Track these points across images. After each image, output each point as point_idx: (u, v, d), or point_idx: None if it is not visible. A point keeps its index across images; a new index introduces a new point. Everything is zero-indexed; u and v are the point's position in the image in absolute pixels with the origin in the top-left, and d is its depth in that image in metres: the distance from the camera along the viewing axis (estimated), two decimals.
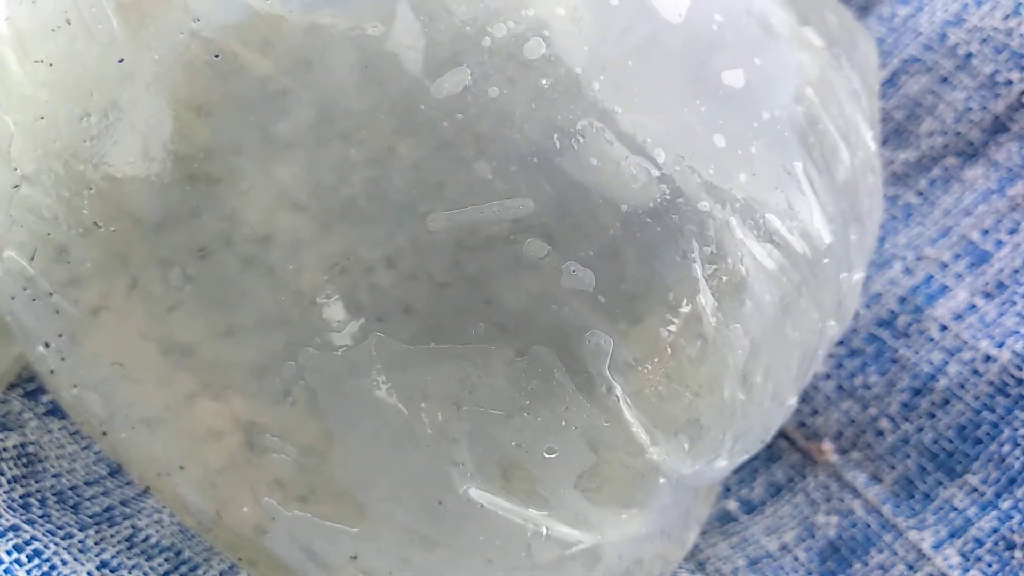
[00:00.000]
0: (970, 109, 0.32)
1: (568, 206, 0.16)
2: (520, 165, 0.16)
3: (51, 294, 0.18)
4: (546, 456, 0.17)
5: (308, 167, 0.16)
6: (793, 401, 0.20)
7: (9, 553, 0.20)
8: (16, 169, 0.17)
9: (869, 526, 0.29)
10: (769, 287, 0.17)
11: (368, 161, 0.16)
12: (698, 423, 0.18)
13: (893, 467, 0.30)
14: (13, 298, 0.18)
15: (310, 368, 0.17)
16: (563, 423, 0.16)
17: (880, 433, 0.30)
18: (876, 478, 0.30)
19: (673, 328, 0.17)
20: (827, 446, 0.31)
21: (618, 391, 0.16)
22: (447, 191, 0.16)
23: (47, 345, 0.19)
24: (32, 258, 0.17)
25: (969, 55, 0.33)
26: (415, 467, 0.17)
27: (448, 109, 0.16)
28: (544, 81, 0.16)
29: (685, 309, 0.17)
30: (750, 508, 0.31)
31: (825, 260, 0.18)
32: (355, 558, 0.18)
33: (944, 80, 0.33)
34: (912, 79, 0.33)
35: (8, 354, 0.25)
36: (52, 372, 0.20)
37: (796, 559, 0.29)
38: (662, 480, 0.18)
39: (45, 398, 0.26)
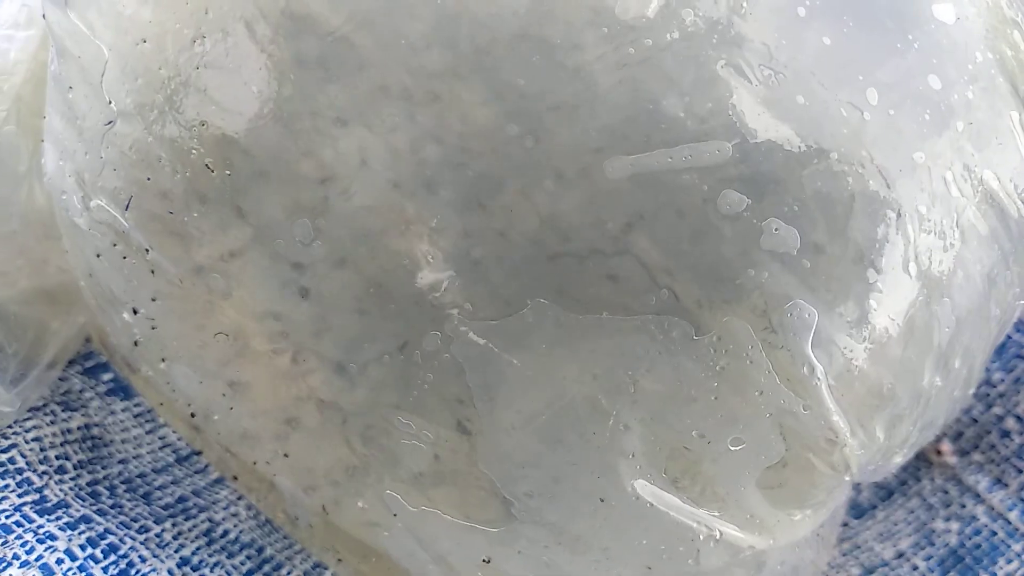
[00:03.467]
0: None
1: (770, 153, 0.13)
2: (717, 104, 0.13)
3: (147, 250, 0.15)
4: (731, 448, 0.14)
5: (442, 113, 0.14)
6: (974, 389, 0.17)
7: (83, 548, 0.18)
8: (111, 103, 0.15)
9: (995, 533, 0.27)
10: (980, 255, 0.15)
11: (526, 104, 0.14)
12: (897, 413, 0.15)
13: (1020, 470, 0.27)
14: (98, 255, 0.16)
15: (457, 340, 0.14)
16: (755, 409, 0.14)
17: (1005, 434, 0.27)
18: (1000, 482, 0.27)
19: (882, 300, 0.14)
20: (946, 447, 0.28)
21: (820, 372, 0.14)
22: (630, 132, 0.13)
23: (135, 311, 0.16)
24: (127, 208, 0.15)
25: None
26: (575, 458, 0.14)
27: (635, 35, 0.13)
28: (745, 4, 0.13)
29: (895, 278, 0.14)
30: (860, 512, 0.28)
31: None
32: (488, 562, 0.16)
33: None
34: None
35: (71, 324, 0.22)
36: (137, 343, 0.17)
37: (915, 568, 0.27)
38: (847, 478, 0.15)
39: (107, 376, 0.24)
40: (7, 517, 0.18)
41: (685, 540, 0.15)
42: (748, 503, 0.15)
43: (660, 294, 0.14)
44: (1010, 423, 0.27)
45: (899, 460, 0.17)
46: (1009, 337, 0.28)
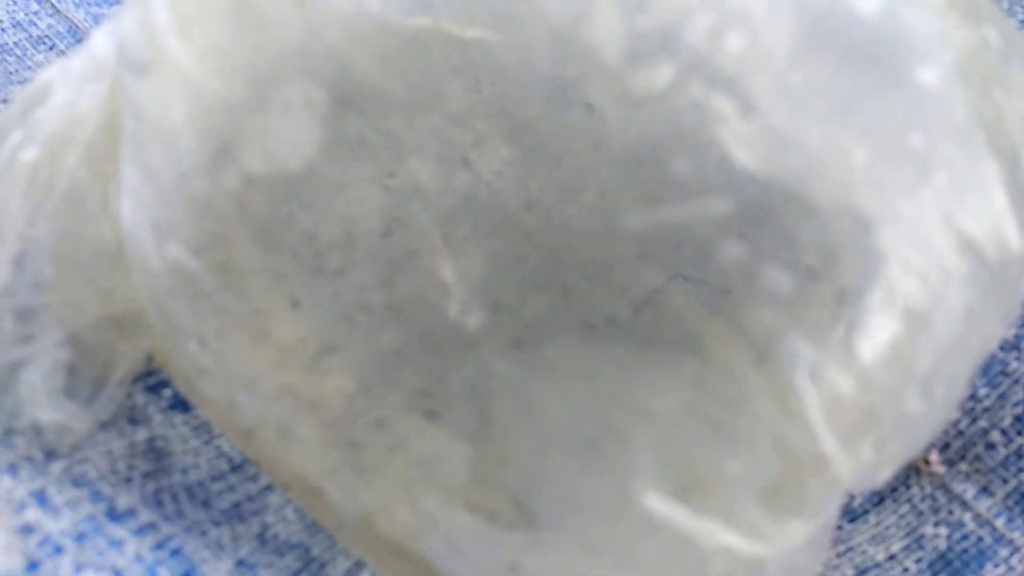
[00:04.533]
0: None
1: (767, 207, 0.14)
2: (719, 164, 0.14)
3: (215, 292, 0.16)
4: (732, 466, 0.15)
5: (473, 166, 0.15)
6: (955, 412, 0.18)
7: (151, 551, 0.19)
8: (183, 161, 0.16)
9: (982, 539, 0.27)
10: (960, 293, 0.16)
11: (548, 162, 0.15)
12: (883, 434, 0.16)
13: (1005, 480, 0.28)
14: (170, 293, 0.17)
15: (484, 372, 0.15)
16: (754, 433, 0.15)
17: (991, 446, 0.28)
18: (986, 491, 0.28)
19: (871, 335, 0.15)
20: (934, 457, 0.29)
21: (812, 400, 0.15)
22: (641, 189, 0.14)
23: (202, 343, 0.17)
24: (197, 253, 0.16)
25: None
26: (594, 474, 0.15)
27: (645, 106, 0.14)
28: (745, 76, 0.14)
29: (882, 317, 0.15)
30: (853, 517, 0.29)
31: (1011, 266, 0.16)
32: (514, 568, 0.17)
33: None
34: None
35: (137, 346, 0.23)
36: (201, 371, 0.18)
37: (906, 570, 0.27)
38: (839, 491, 0.16)
39: (167, 392, 0.25)
40: (82, 525, 0.19)
41: (692, 549, 0.16)
42: (748, 515, 0.16)
43: (673, 332, 0.15)
44: (995, 436, 0.28)
45: (886, 473, 0.18)
46: (993, 356, 0.29)
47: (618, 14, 0.14)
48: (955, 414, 0.19)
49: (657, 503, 0.15)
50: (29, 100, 0.22)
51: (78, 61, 0.21)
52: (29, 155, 0.20)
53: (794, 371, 0.15)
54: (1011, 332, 0.28)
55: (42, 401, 0.19)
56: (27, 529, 0.18)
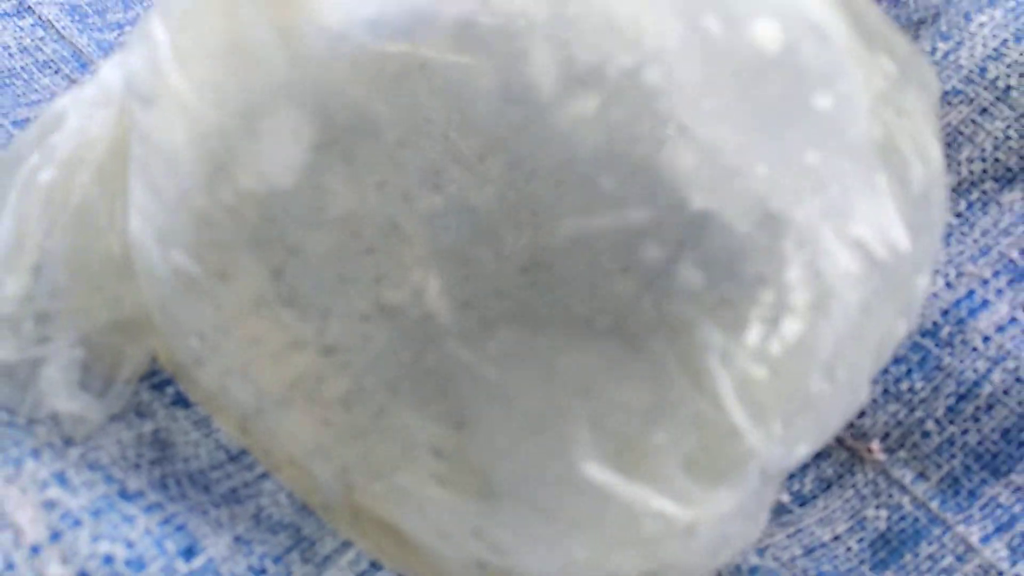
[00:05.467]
0: (1008, 138, 0.33)
1: (680, 215, 0.17)
2: (639, 179, 0.17)
3: (212, 290, 0.19)
4: (657, 439, 0.18)
5: (431, 178, 0.18)
6: (864, 394, 0.21)
7: (158, 527, 0.22)
8: (184, 179, 0.19)
9: (918, 520, 0.30)
10: (854, 289, 0.18)
11: (501, 179, 0.17)
12: (789, 411, 0.18)
13: (939, 466, 0.30)
14: (172, 294, 0.20)
15: (446, 358, 0.18)
16: (674, 410, 0.17)
17: (926, 434, 0.31)
18: (923, 476, 0.30)
19: (772, 325, 0.17)
20: (875, 445, 0.31)
21: (723, 381, 0.17)
22: (569, 200, 0.17)
23: (201, 338, 0.20)
24: (196, 258, 0.19)
25: (1008, 87, 0.33)
26: (540, 446, 0.18)
27: (575, 129, 0.17)
28: (660, 104, 0.17)
29: (782, 309, 0.17)
30: (803, 501, 0.31)
31: (902, 265, 0.19)
32: (477, 530, 0.19)
33: (984, 111, 0.34)
34: (954, 109, 0.34)
35: (142, 348, 0.26)
36: (199, 363, 0.21)
37: (849, 549, 0.30)
38: (754, 463, 0.19)
39: (170, 389, 0.27)
40: (98, 503, 0.21)
41: (626, 511, 0.18)
42: (675, 482, 0.18)
43: (605, 323, 0.17)
44: (930, 425, 0.31)
45: (803, 451, 0.20)
46: (928, 352, 0.31)
47: (551, 53, 0.17)
48: (862, 403, 0.21)
49: (596, 471, 0.18)
50: (45, 126, 0.24)
51: (88, 90, 0.24)
52: (46, 176, 0.23)
53: (707, 356, 0.17)
54: (945, 331, 0.31)
55: (60, 394, 0.22)
56: (50, 504, 0.20)
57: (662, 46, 0.17)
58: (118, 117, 0.23)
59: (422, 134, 0.18)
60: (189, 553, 0.22)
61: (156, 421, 0.26)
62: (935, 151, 0.20)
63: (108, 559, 0.20)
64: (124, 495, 0.22)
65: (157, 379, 0.28)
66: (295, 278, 0.19)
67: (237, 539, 0.23)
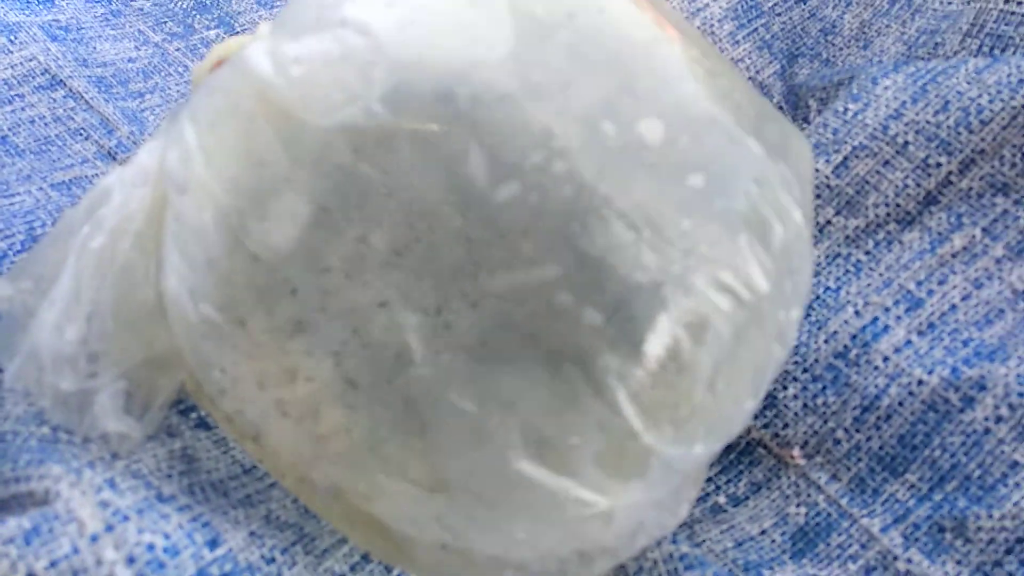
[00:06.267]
0: (907, 186, 0.39)
1: (584, 270, 0.23)
2: (552, 243, 0.22)
3: (231, 335, 0.24)
4: (573, 440, 0.23)
5: (402, 245, 0.23)
6: (750, 405, 0.26)
7: (188, 523, 0.27)
8: (210, 250, 0.24)
9: (830, 515, 0.35)
10: (725, 322, 0.24)
11: (445, 240, 0.23)
12: (678, 417, 0.24)
13: (848, 468, 0.36)
14: (202, 337, 0.25)
15: (411, 383, 0.23)
16: (584, 417, 0.23)
17: (837, 442, 0.36)
18: (835, 477, 0.36)
19: (659, 351, 0.23)
20: (796, 452, 0.37)
21: (620, 394, 0.23)
22: (502, 259, 0.22)
23: (223, 371, 0.26)
24: (220, 310, 0.24)
25: (907, 143, 0.39)
26: (483, 450, 0.23)
27: (504, 208, 0.23)
28: (567, 188, 0.23)
29: (666, 338, 0.23)
30: (736, 502, 0.37)
31: (765, 303, 0.25)
32: (439, 518, 0.25)
33: (887, 163, 0.39)
34: (861, 162, 0.40)
35: (172, 380, 0.31)
36: (222, 391, 0.26)
37: (773, 541, 0.35)
38: (654, 459, 0.24)
39: (194, 414, 0.33)
40: (140, 504, 0.27)
41: (553, 499, 0.24)
42: (592, 475, 0.24)
43: (526, 353, 0.23)
44: (840, 434, 0.36)
45: (700, 450, 0.26)
46: (840, 371, 0.37)
47: (482, 152, 0.22)
48: (751, 412, 0.26)
49: (527, 467, 0.23)
50: (93, 201, 0.30)
51: (129, 171, 0.30)
52: (96, 243, 0.29)
53: (607, 375, 0.23)
54: (853, 352, 0.36)
55: (109, 417, 0.27)
56: (104, 504, 0.26)
57: (567, 146, 0.23)
58: (153, 194, 0.29)
59: (391, 203, 0.23)
60: (213, 544, 0.27)
61: (183, 440, 0.31)
62: (795, 215, 0.26)
63: (150, 547, 0.25)
64: (160, 498, 0.28)
65: (183, 406, 0.33)
66: (294, 326, 0.24)
67: (252, 534, 0.28)
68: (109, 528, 0.25)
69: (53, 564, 0.24)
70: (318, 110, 0.23)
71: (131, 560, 0.25)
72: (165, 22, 0.58)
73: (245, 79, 0.24)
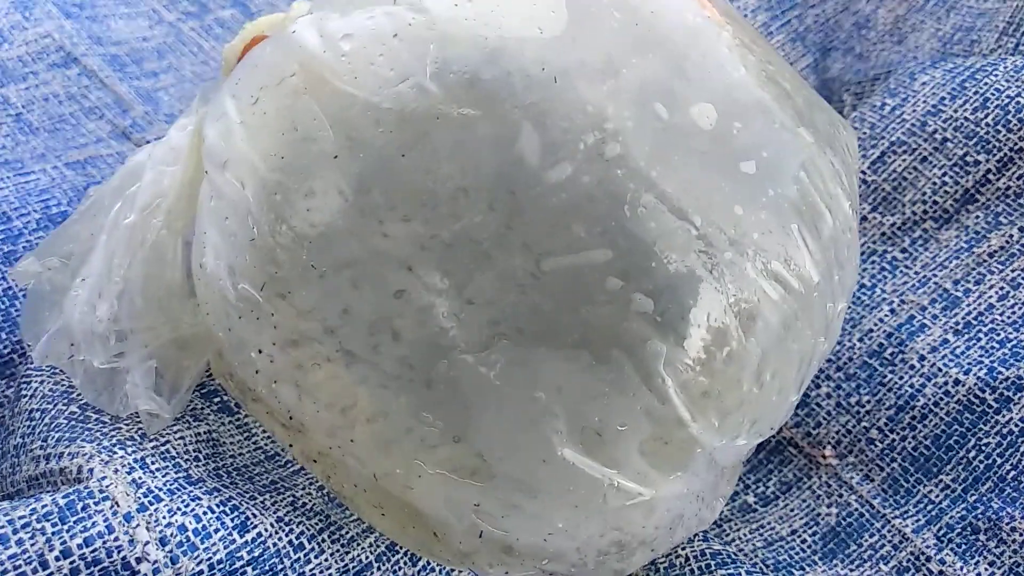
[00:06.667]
0: (945, 183, 0.39)
1: (635, 255, 0.23)
2: (603, 227, 0.23)
3: (272, 314, 0.25)
4: (619, 428, 0.23)
5: (450, 229, 0.23)
6: (794, 398, 0.26)
7: (217, 506, 0.27)
8: (252, 227, 0.25)
9: (863, 516, 0.35)
10: (774, 312, 0.24)
11: (493, 223, 0.23)
12: (724, 407, 0.24)
13: (882, 469, 0.36)
14: (240, 317, 0.26)
15: (455, 367, 0.24)
16: (630, 405, 0.23)
17: (871, 441, 0.36)
18: (868, 478, 0.36)
19: (708, 339, 0.23)
20: (828, 452, 0.37)
21: (669, 382, 0.23)
22: (551, 242, 0.23)
23: (260, 351, 0.26)
24: (261, 288, 0.25)
25: (945, 139, 0.39)
26: (526, 435, 0.23)
27: (555, 189, 0.23)
28: (619, 171, 0.23)
29: (716, 326, 0.23)
30: (766, 502, 0.37)
31: (815, 294, 0.25)
32: (478, 506, 0.25)
33: (924, 159, 0.40)
34: (898, 158, 0.40)
35: (198, 362, 0.32)
36: (258, 372, 0.27)
37: (803, 541, 0.35)
38: (699, 450, 0.25)
39: (216, 398, 0.33)
40: (171, 484, 0.27)
41: (596, 488, 0.24)
42: (635, 464, 0.24)
43: (573, 338, 0.23)
44: (874, 433, 0.36)
45: (743, 443, 0.26)
46: (875, 370, 0.37)
47: (535, 131, 0.23)
48: (793, 406, 0.27)
49: (571, 454, 0.24)
50: (124, 178, 0.30)
51: (160, 150, 0.30)
52: (128, 220, 0.29)
53: (656, 362, 0.23)
54: (888, 351, 0.37)
55: (140, 396, 0.28)
56: (136, 483, 0.26)
57: (620, 127, 0.23)
58: (183, 173, 0.29)
59: (439, 182, 0.23)
60: (243, 528, 0.27)
61: (208, 424, 0.32)
62: (844, 205, 0.26)
63: (182, 528, 0.26)
64: (190, 480, 0.28)
65: (205, 389, 0.34)
66: (337, 306, 0.24)
67: (280, 520, 0.29)
68: (142, 508, 0.25)
69: (87, 542, 0.24)
70: (369, 86, 0.23)
71: (163, 541, 0.25)
72: (179, 1, 0.58)
73: (291, 54, 0.24)
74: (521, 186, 0.23)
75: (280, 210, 0.24)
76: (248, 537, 0.27)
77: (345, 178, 0.23)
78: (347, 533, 0.30)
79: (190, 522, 0.26)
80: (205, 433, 0.31)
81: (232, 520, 0.27)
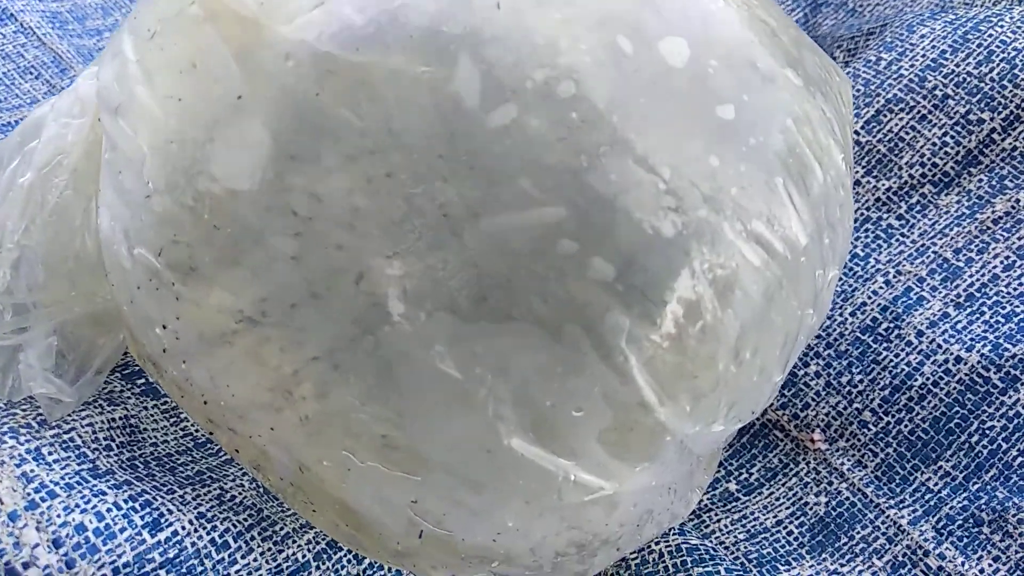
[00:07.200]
0: (946, 144, 0.36)
1: (593, 213, 0.19)
2: (555, 180, 0.19)
3: (173, 284, 0.21)
4: (574, 414, 0.20)
5: (378, 181, 0.20)
6: (779, 378, 0.23)
7: (125, 502, 0.24)
8: (148, 183, 0.21)
9: (855, 505, 0.32)
10: (755, 280, 0.21)
11: (432, 177, 0.20)
12: (698, 389, 0.21)
13: (875, 454, 0.33)
14: (139, 288, 0.22)
15: (385, 343, 0.20)
16: (588, 387, 0.20)
17: (864, 424, 0.33)
18: (860, 464, 0.33)
19: (677, 311, 0.20)
20: (817, 436, 0.34)
21: (632, 360, 0.20)
22: (495, 199, 0.19)
23: (164, 327, 0.22)
24: (159, 254, 0.21)
25: (946, 96, 0.36)
26: (468, 423, 0.20)
27: (499, 136, 0.19)
28: (574, 114, 0.20)
29: (686, 296, 0.20)
30: (749, 490, 0.34)
31: (802, 259, 0.22)
32: (415, 503, 0.22)
33: (923, 118, 0.36)
34: (895, 116, 0.36)
35: (114, 340, 0.28)
36: (164, 351, 0.23)
37: (790, 533, 0.32)
38: (668, 438, 0.21)
39: (140, 380, 0.30)
40: (70, 478, 0.24)
41: (549, 481, 0.21)
42: (594, 454, 0.21)
43: (522, 310, 0.20)
44: (867, 415, 0.33)
45: (720, 429, 0.23)
46: (868, 346, 0.34)
47: (473, 67, 0.19)
48: (777, 387, 0.23)
49: (519, 444, 0.20)
50: (25, 133, 0.27)
51: (65, 100, 0.26)
52: (25, 179, 0.25)
53: (617, 337, 0.20)
54: (883, 326, 0.34)
55: (36, 378, 0.24)
56: (26, 477, 0.23)
57: (576, 63, 0.20)
58: (92, 126, 0.26)
59: (361, 127, 0.20)
60: (156, 526, 0.24)
61: (127, 408, 0.28)
62: (837, 158, 0.23)
63: (80, 528, 0.22)
64: (95, 473, 0.25)
65: (129, 370, 0.30)
66: (251, 267, 0.21)
67: (200, 516, 0.25)
68: (32, 505, 0.22)
69: None
70: (278, 13, 0.19)
71: (57, 543, 0.22)
72: None
73: None
74: (458, 131, 0.19)
75: (177, 162, 0.20)
76: (161, 536, 0.24)
77: (250, 123, 0.20)
78: (281, 529, 0.27)
79: (90, 521, 0.23)
80: (122, 419, 0.27)
81: (143, 517, 0.24)
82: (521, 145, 0.19)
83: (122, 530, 0.23)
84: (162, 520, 0.24)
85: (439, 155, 0.20)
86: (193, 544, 0.24)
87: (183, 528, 0.24)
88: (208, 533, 0.25)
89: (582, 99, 0.20)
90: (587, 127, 0.20)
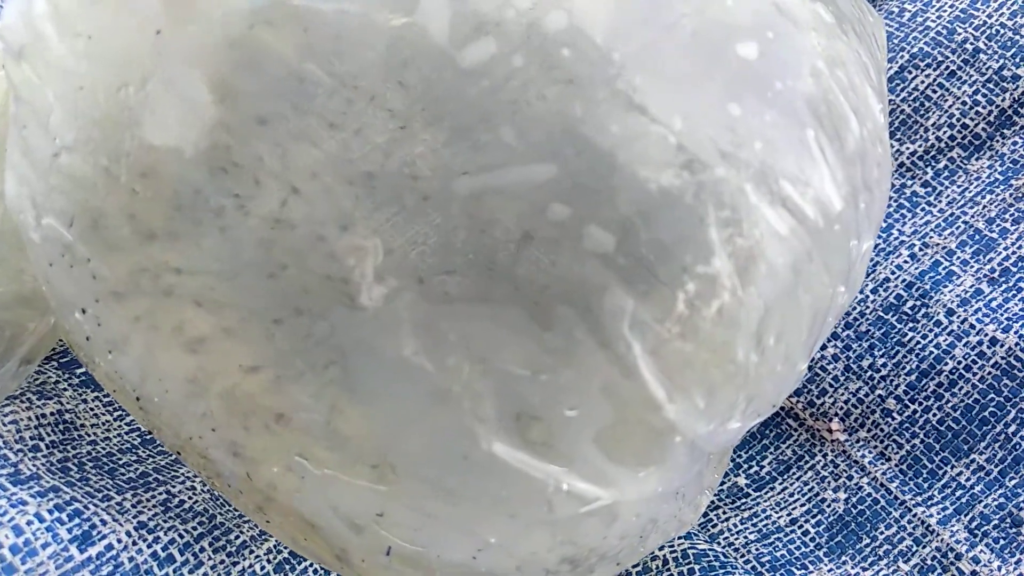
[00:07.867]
0: (977, 103, 0.32)
1: (589, 171, 0.16)
2: (543, 132, 0.16)
3: (89, 260, 0.18)
4: (567, 412, 0.17)
5: (326, 137, 0.17)
6: (804, 366, 0.20)
7: (50, 512, 0.21)
8: (55, 139, 0.18)
9: (877, 502, 0.29)
10: (782, 251, 0.17)
11: (395, 132, 0.16)
12: (712, 382, 0.18)
13: (900, 446, 0.30)
14: (51, 264, 0.19)
15: (341, 328, 0.17)
16: (583, 380, 0.17)
17: (888, 413, 0.30)
18: (883, 456, 0.30)
19: (690, 290, 0.17)
20: (835, 425, 0.31)
21: (636, 349, 0.16)
22: (471, 155, 0.16)
23: (83, 311, 0.19)
24: (71, 224, 0.18)
25: (977, 50, 0.33)
26: (442, 424, 0.17)
27: (474, 78, 0.16)
28: (565, 51, 0.16)
29: (701, 272, 0.17)
30: (760, 485, 0.31)
31: (836, 226, 0.18)
32: (381, 515, 0.18)
33: (952, 74, 0.33)
34: (921, 73, 0.33)
35: (45, 324, 0.25)
36: (88, 339, 0.20)
37: (806, 533, 0.29)
38: (678, 439, 0.18)
39: (80, 370, 0.27)
40: None
41: (537, 491, 0.17)
42: (590, 459, 0.18)
43: (501, 289, 0.16)
44: (891, 403, 0.30)
45: (736, 426, 0.20)
46: (891, 326, 0.31)
47: (443, 2, 0.16)
48: (801, 375, 0.20)
49: (501, 449, 0.17)
50: None
51: None
52: None
53: (618, 322, 0.16)
54: (909, 304, 0.30)
55: None
56: None
57: None
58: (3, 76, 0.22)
59: (310, 68, 0.16)
60: (86, 539, 0.21)
61: (61, 402, 0.25)
62: (875, 108, 0.19)
63: None
64: (16, 479, 0.21)
65: (67, 359, 0.27)
66: (181, 239, 0.18)
67: (141, 526, 0.22)
68: None
69: None
70: None
71: None
72: None
73: None
74: (427, 76, 0.16)
75: (89, 113, 0.17)
76: (92, 552, 0.21)
77: (172, 64, 0.16)
78: (237, 538, 0.24)
79: (7, 536, 0.20)
80: (54, 414, 0.24)
81: (70, 530, 0.21)
82: (501, 89, 0.16)
83: (45, 545, 0.20)
84: (94, 532, 0.21)
85: (401, 103, 0.16)
86: (131, 559, 0.21)
87: (119, 541, 0.21)
88: (150, 545, 0.22)
89: (575, 32, 0.16)
90: (582, 67, 0.16)
